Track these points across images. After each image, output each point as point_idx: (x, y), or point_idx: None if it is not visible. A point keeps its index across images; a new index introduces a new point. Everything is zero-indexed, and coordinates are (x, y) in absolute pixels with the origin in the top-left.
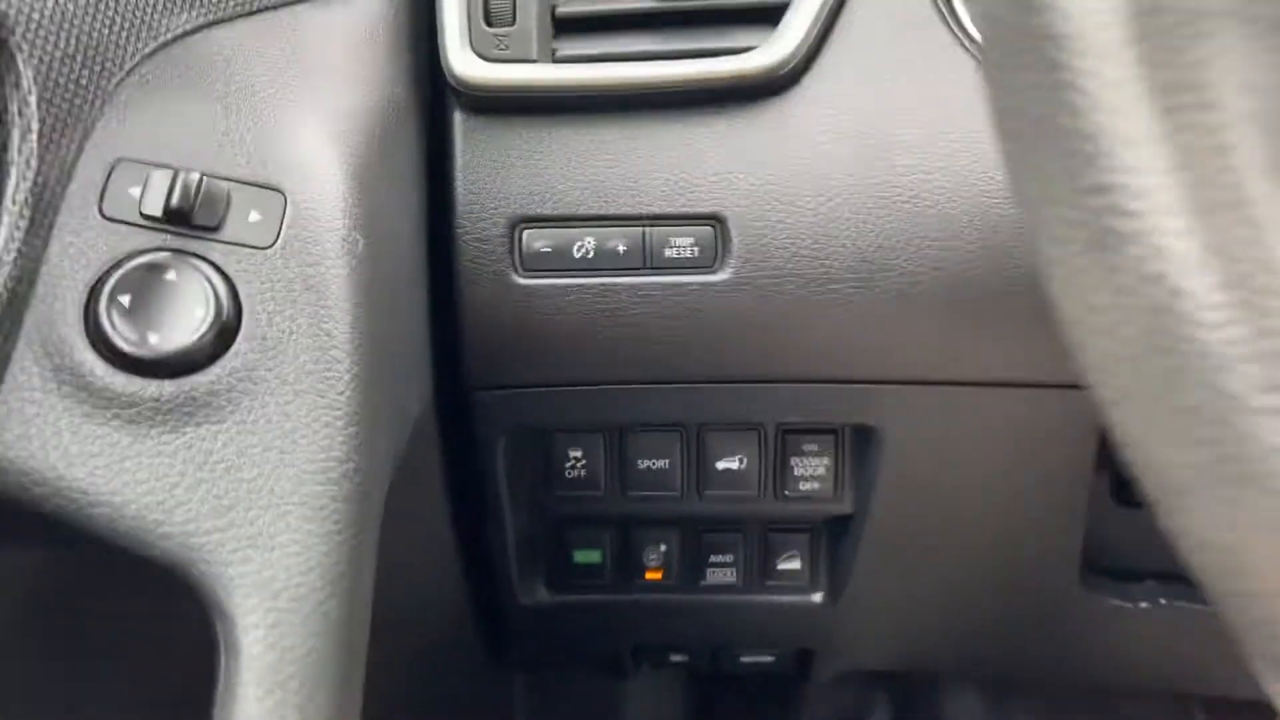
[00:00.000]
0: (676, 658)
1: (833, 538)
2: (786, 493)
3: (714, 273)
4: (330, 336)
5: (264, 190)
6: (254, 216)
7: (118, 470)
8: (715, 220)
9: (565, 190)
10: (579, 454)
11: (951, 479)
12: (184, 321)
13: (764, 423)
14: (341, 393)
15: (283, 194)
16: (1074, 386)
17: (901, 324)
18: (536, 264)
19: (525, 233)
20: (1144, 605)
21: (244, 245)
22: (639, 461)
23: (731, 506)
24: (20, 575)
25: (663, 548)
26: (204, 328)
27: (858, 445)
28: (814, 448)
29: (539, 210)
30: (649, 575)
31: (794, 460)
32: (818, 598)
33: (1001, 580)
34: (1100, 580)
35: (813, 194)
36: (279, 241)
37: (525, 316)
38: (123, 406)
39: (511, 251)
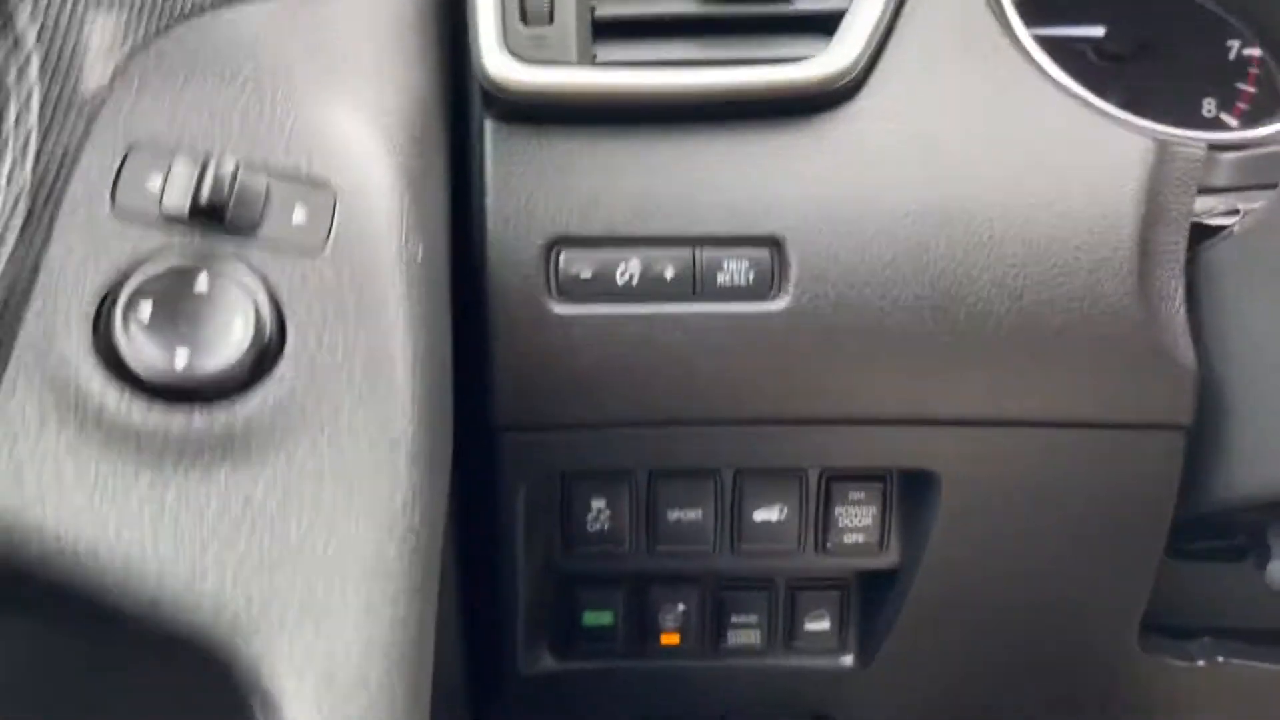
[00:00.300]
0: None
1: (866, 595)
2: (828, 545)
3: (770, 301)
4: (389, 359)
5: (310, 185)
6: (299, 216)
7: (134, 524)
8: (772, 243)
9: (606, 207)
10: (602, 504)
11: (1014, 529)
12: (217, 339)
13: (807, 469)
14: (404, 427)
15: (332, 190)
16: (1159, 426)
17: (973, 358)
18: (575, 290)
19: (563, 254)
20: (1201, 664)
21: (287, 249)
22: (669, 512)
23: (767, 562)
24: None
25: (681, 608)
26: (242, 347)
27: (910, 492)
28: (860, 495)
29: (577, 230)
30: (665, 639)
31: (838, 510)
32: (847, 660)
33: (1053, 639)
34: (1157, 639)
35: (877, 215)
36: (329, 245)
37: (562, 348)
38: (141, 443)
39: (547, 275)
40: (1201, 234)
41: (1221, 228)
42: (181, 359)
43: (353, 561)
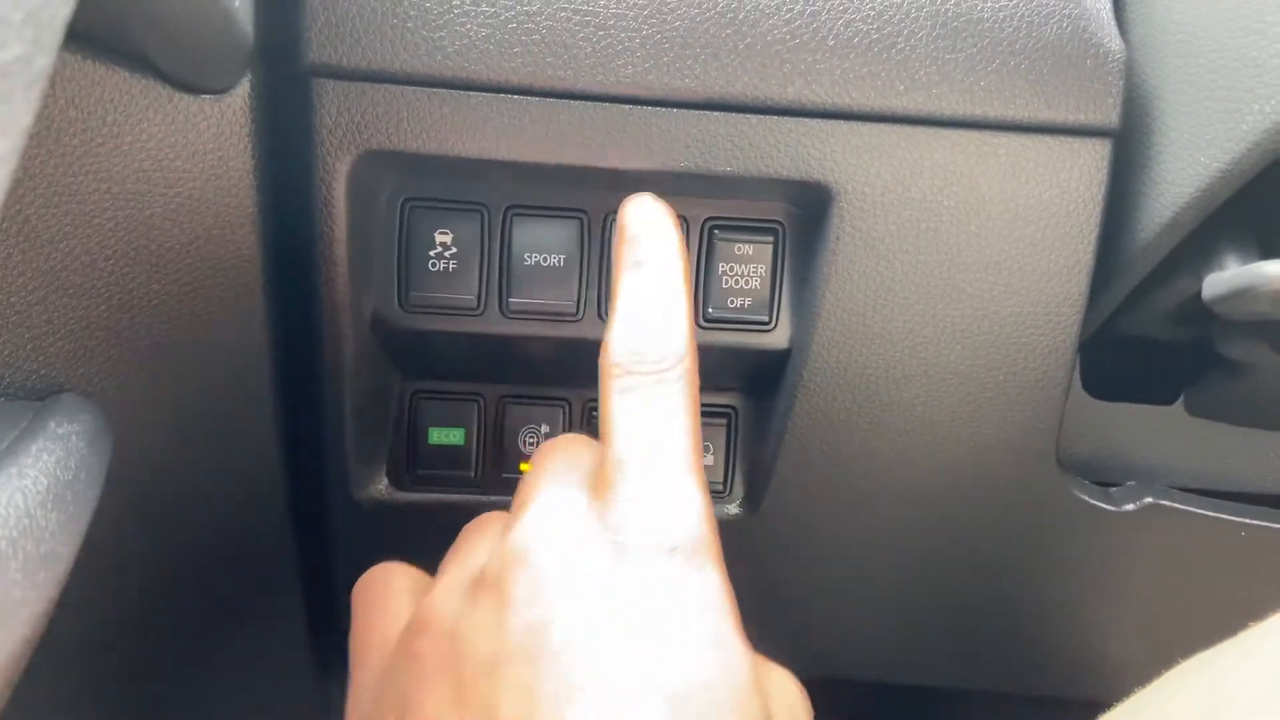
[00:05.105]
0: None
1: (754, 412)
2: (710, 310)
3: None
4: None
5: None
6: None
7: None
8: None
9: None
10: (448, 238)
11: (917, 263)
12: None
13: (689, 214)
14: None
15: None
16: (1085, 130)
17: (877, 37)
18: None
19: None
20: (1130, 508)
21: None
22: (526, 256)
23: None
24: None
25: (545, 429)
26: None
27: (804, 223)
28: (748, 251)
29: None
30: (525, 468)
31: (723, 268)
32: (733, 509)
33: (965, 460)
34: (1081, 482)
35: None
36: None
37: None
38: None
39: None
40: None
41: None
42: None
43: None
